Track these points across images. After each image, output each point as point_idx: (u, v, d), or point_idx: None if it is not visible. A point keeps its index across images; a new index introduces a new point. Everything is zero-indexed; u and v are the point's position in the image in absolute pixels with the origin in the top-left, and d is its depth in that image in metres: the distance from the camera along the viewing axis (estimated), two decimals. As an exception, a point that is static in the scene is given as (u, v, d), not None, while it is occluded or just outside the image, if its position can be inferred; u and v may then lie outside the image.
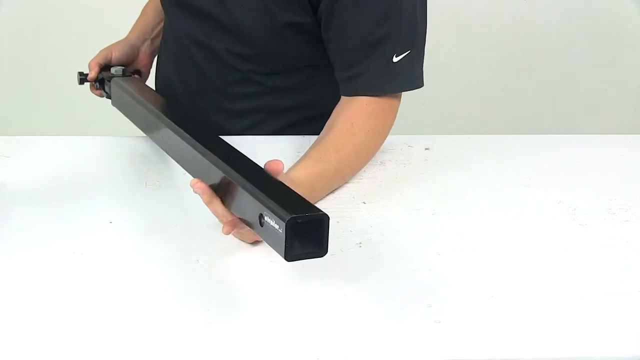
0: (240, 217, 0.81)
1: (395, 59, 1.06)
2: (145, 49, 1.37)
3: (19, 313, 0.75)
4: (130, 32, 1.38)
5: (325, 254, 0.71)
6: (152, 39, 1.38)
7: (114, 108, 1.25)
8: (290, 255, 0.70)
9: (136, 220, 0.95)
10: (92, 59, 1.30)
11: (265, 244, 0.87)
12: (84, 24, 2.49)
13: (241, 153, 0.89)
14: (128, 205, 0.99)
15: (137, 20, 1.40)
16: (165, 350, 0.70)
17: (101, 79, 1.29)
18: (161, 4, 1.29)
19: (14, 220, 0.94)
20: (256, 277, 0.82)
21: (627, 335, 0.73)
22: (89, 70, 1.29)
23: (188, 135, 0.93)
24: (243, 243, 0.89)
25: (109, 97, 1.28)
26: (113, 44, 1.33)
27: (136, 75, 1.33)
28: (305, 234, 0.71)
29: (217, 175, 0.84)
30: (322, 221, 0.71)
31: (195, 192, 0.84)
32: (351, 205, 1.00)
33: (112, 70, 1.27)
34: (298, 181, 0.93)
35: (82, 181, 1.07)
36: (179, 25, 1.23)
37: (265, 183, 0.79)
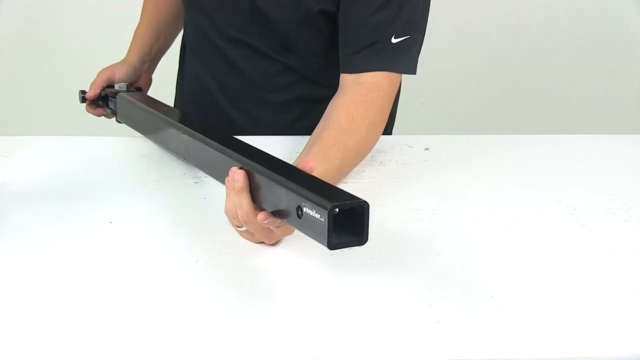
0: (273, 212, 0.81)
1: (394, 40, 1.09)
2: (146, 70, 1.38)
3: (19, 313, 0.75)
4: (128, 55, 1.37)
5: (366, 242, 0.72)
6: (152, 60, 1.39)
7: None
8: (333, 243, 0.70)
9: (136, 220, 0.95)
10: (94, 81, 1.29)
11: (267, 245, 0.88)
12: (84, 23, 2.50)
13: (265, 152, 0.90)
14: (128, 205, 0.99)
15: (132, 42, 1.38)
16: (165, 350, 0.70)
17: (104, 96, 1.29)
18: (185, 8, 1.29)
19: (14, 220, 0.94)
20: (256, 277, 0.82)
21: (627, 335, 0.73)
22: (90, 90, 1.29)
23: (210, 140, 0.94)
24: (242, 243, 0.89)
25: (113, 113, 1.27)
26: (115, 65, 1.32)
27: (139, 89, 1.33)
28: (346, 223, 0.71)
29: (251, 178, 0.84)
30: (362, 208, 0.72)
31: (233, 178, 0.84)
32: (351, 205, 0.99)
33: (116, 86, 1.27)
34: None
35: (82, 181, 1.07)
36: (210, 28, 1.24)
37: (298, 176, 0.80)
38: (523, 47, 2.63)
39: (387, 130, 1.32)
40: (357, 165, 1.09)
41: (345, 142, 1.03)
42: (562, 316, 0.76)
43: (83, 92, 1.30)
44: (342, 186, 1.05)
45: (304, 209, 0.73)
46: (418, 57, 1.14)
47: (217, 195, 1.00)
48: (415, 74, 1.14)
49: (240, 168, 0.84)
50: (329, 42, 1.18)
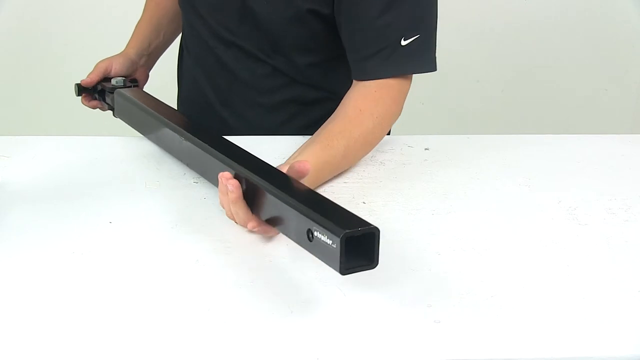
0: (281, 230, 0.83)
1: (403, 42, 1.08)
2: (143, 65, 1.38)
3: (19, 313, 0.75)
4: (127, 47, 1.37)
5: (376, 266, 0.72)
6: (149, 55, 1.39)
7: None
8: (344, 269, 0.71)
9: (136, 220, 0.95)
10: (91, 72, 1.29)
11: (267, 245, 0.88)
12: (84, 23, 2.50)
13: (271, 166, 0.90)
14: (128, 205, 0.99)
15: (132, 37, 1.39)
16: (166, 350, 0.70)
17: (101, 90, 1.29)
18: (181, 8, 1.30)
19: (14, 220, 0.94)
20: (256, 277, 0.82)
21: (627, 335, 0.73)
22: (87, 78, 1.28)
23: (216, 151, 0.94)
24: (242, 243, 0.89)
25: (110, 108, 1.27)
26: (112, 57, 1.32)
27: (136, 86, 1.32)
28: (357, 248, 0.72)
29: (254, 191, 0.85)
30: (373, 235, 0.72)
31: (226, 185, 0.86)
32: (351, 205, 0.99)
33: (113, 81, 1.27)
34: None
35: (82, 181, 1.07)
36: (203, 29, 1.24)
37: (309, 197, 0.80)
38: (523, 47, 2.63)
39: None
40: (363, 155, 1.10)
41: (350, 131, 1.05)
42: (562, 316, 0.76)
43: (79, 85, 1.29)
44: (342, 186, 1.05)
45: (315, 233, 0.74)
46: (435, 52, 1.13)
47: (217, 195, 1.00)
48: (435, 70, 1.13)
49: (236, 176, 0.86)
50: (319, 42, 1.19)
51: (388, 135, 1.24)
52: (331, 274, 0.82)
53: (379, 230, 0.72)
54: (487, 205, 1.01)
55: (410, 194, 1.04)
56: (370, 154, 1.14)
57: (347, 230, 0.70)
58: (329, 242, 0.71)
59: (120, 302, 0.77)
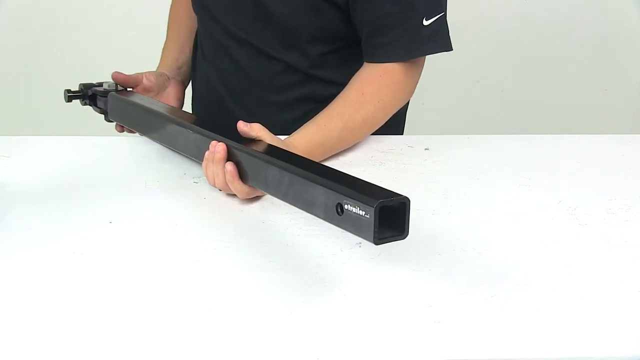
0: (300, 206, 0.83)
1: (425, 22, 1.08)
2: (174, 77, 1.38)
3: (19, 313, 0.75)
4: (157, 67, 1.39)
5: (407, 236, 0.74)
6: (179, 69, 1.40)
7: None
8: (378, 239, 0.72)
9: (136, 220, 0.95)
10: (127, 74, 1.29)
11: (268, 245, 0.88)
12: (85, 24, 2.50)
13: (281, 148, 0.93)
14: (128, 205, 0.99)
15: (160, 59, 1.41)
16: (165, 350, 0.70)
17: (92, 95, 1.28)
18: (194, 10, 1.32)
19: (14, 220, 0.94)
20: (256, 277, 0.82)
21: (627, 335, 0.73)
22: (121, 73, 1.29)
23: (225, 138, 0.96)
24: (242, 243, 0.89)
25: (103, 112, 1.27)
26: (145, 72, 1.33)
27: (130, 89, 1.31)
28: (389, 218, 0.73)
29: (269, 171, 0.87)
30: (404, 204, 0.73)
31: (214, 148, 0.92)
32: (351, 205, 0.99)
33: (105, 85, 1.26)
34: (298, 147, 1.00)
35: (82, 181, 1.07)
36: (216, 28, 1.25)
37: (332, 173, 0.82)
38: (523, 47, 2.63)
39: (399, 130, 1.33)
40: (361, 138, 1.13)
41: (350, 114, 1.05)
42: (562, 316, 0.76)
43: (69, 91, 1.29)
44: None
45: (346, 207, 0.74)
46: (448, 30, 1.14)
47: (217, 195, 1.00)
48: (452, 49, 1.13)
49: (250, 156, 0.90)
50: (333, 31, 1.18)
51: (388, 135, 1.24)
52: (331, 274, 0.82)
53: (409, 200, 0.73)
54: (487, 206, 1.01)
55: (410, 194, 1.03)
56: (370, 154, 1.14)
57: (381, 200, 0.71)
58: (362, 213, 0.72)
59: (121, 302, 0.77)
